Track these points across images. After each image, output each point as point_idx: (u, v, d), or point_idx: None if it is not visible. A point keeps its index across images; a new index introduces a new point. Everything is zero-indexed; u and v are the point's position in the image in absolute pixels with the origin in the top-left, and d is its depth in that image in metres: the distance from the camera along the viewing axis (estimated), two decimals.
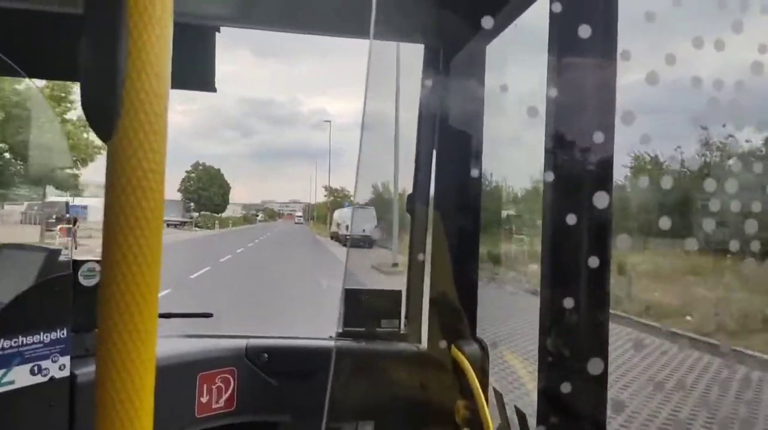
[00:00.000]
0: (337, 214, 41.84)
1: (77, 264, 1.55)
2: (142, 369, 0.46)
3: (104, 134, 0.44)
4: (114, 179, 0.44)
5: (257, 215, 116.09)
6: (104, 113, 0.44)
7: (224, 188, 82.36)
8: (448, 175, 1.85)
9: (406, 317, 2.05)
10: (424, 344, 1.99)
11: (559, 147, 0.97)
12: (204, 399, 1.78)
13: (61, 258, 1.51)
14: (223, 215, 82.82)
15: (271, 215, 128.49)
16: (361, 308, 2.00)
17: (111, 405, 0.45)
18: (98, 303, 0.45)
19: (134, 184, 0.44)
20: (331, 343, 2.01)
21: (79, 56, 0.44)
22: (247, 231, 57.27)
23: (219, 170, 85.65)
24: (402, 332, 2.03)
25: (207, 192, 79.21)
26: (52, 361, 1.45)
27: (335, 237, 38.69)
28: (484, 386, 1.58)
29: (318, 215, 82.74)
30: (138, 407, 0.46)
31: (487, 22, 1.14)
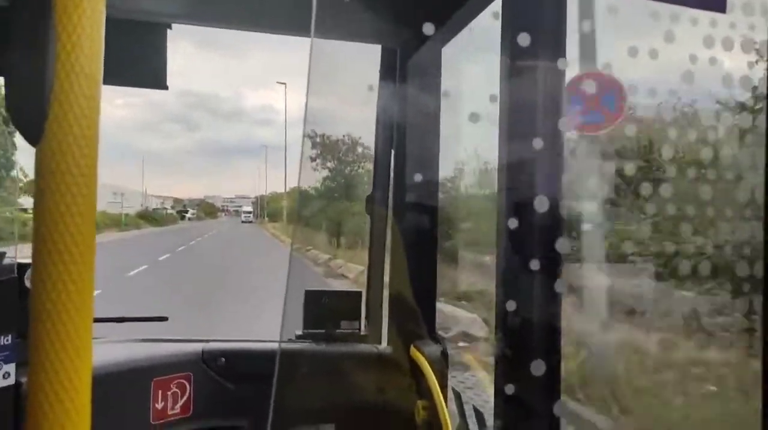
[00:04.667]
0: None
1: (23, 267, 1.50)
2: (76, 378, 0.45)
3: (32, 137, 0.43)
4: (43, 184, 0.43)
5: (185, 212, 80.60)
6: (32, 116, 0.43)
7: None
8: (406, 176, 1.87)
9: (366, 318, 2.05)
10: (385, 345, 2.00)
11: (509, 151, 0.99)
12: (159, 405, 1.74)
13: (6, 261, 1.46)
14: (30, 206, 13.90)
15: (210, 211, 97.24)
16: (321, 309, 1.99)
17: (43, 416, 0.44)
18: (30, 311, 0.44)
19: (64, 189, 0.43)
20: (291, 345, 2.00)
21: (6, 57, 0.43)
22: None
23: None
24: (362, 333, 2.03)
25: None
26: None
27: None
28: (443, 386, 1.60)
29: (280, 207, 42.77)
30: (73, 416, 0.45)
31: (442, 24, 1.16)
